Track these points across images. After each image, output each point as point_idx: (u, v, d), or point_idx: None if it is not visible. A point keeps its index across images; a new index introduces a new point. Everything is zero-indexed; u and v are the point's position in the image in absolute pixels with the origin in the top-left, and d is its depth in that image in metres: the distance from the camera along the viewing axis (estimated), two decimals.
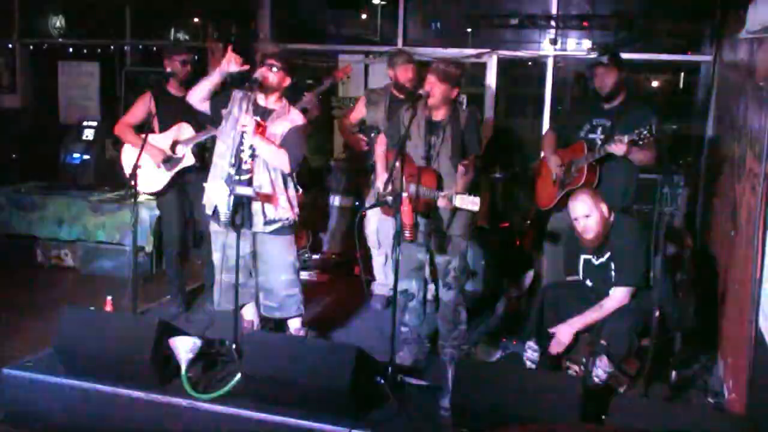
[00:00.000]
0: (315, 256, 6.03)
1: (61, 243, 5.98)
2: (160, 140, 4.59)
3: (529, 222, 5.48)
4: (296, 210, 4.03)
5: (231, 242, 3.91)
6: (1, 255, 5.94)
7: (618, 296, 3.69)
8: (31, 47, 7.65)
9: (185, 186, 4.68)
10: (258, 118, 3.87)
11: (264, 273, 4.10)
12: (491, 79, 6.20)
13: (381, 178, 4.05)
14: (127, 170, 4.59)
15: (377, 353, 3.61)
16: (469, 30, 6.95)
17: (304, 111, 4.38)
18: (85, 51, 7.47)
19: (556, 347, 3.78)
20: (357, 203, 5.91)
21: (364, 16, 7.58)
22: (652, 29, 6.07)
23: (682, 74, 7.19)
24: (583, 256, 3.92)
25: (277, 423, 3.25)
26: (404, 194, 3.62)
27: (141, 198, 5.67)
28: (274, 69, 3.89)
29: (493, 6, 6.59)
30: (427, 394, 3.52)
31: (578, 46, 6.43)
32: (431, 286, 4.44)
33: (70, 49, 7.51)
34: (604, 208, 3.74)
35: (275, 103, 3.98)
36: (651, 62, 6.12)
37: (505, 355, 4.29)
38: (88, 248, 5.89)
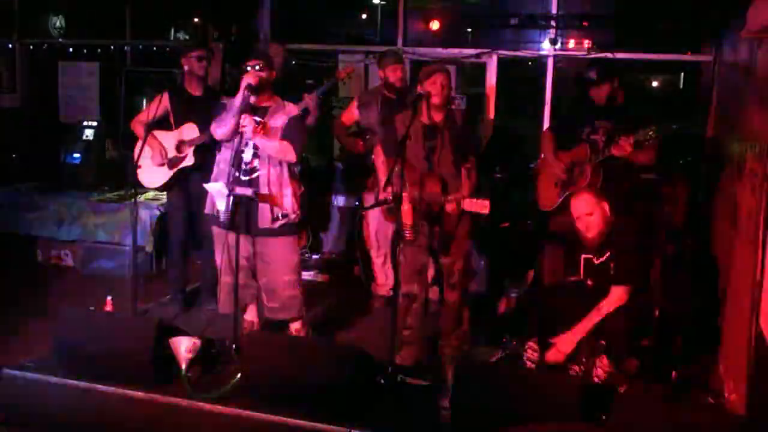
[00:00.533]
0: (315, 256, 6.04)
1: (61, 243, 5.98)
2: (166, 138, 4.61)
3: (529, 222, 5.48)
4: (299, 207, 4.04)
5: (233, 243, 3.92)
6: (1, 255, 5.94)
7: (617, 295, 3.69)
8: (31, 47, 7.65)
9: (188, 185, 4.69)
10: (257, 118, 3.88)
11: (267, 274, 4.10)
12: (491, 79, 6.20)
13: (381, 184, 4.04)
14: (141, 171, 4.64)
15: (377, 353, 3.61)
16: (469, 30, 6.96)
17: (305, 112, 4.39)
18: (85, 51, 7.47)
19: (554, 356, 3.73)
20: (357, 203, 5.91)
21: (364, 16, 7.59)
22: (652, 29, 6.07)
23: (682, 74, 7.20)
24: (584, 256, 3.92)
25: (277, 423, 3.24)
26: (403, 194, 3.62)
27: (141, 198, 5.70)
28: (257, 68, 3.90)
29: (493, 6, 6.59)
30: (427, 394, 3.51)
31: (578, 46, 6.43)
32: (433, 288, 4.44)
33: (70, 49, 7.52)
34: (606, 207, 3.74)
35: (268, 99, 4.00)
36: (651, 62, 6.12)
37: (505, 355, 4.29)
38: (88, 248, 5.89)
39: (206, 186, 4.00)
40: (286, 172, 3.99)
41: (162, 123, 4.65)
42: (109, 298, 4.34)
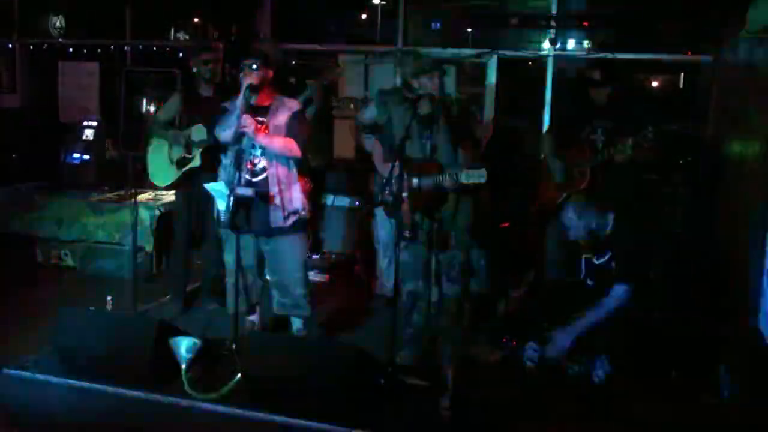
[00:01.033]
0: (315, 256, 6.04)
1: (61, 243, 5.98)
2: (176, 138, 4.62)
3: (529, 222, 5.48)
4: (308, 203, 4.05)
5: (244, 244, 3.93)
6: (1, 255, 5.94)
7: (617, 294, 3.69)
8: (31, 47, 7.65)
9: (194, 186, 4.69)
10: (259, 118, 3.88)
11: (279, 271, 4.11)
12: (491, 79, 6.20)
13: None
14: (151, 169, 4.65)
15: (377, 353, 3.61)
16: (469, 30, 6.95)
17: (307, 102, 4.38)
18: (85, 51, 7.47)
19: (553, 351, 3.74)
20: (357, 203, 5.91)
21: (364, 16, 7.59)
22: (652, 29, 6.07)
23: (682, 74, 7.19)
24: (584, 256, 3.92)
25: (276, 423, 3.24)
26: (404, 194, 3.63)
27: (141, 198, 5.70)
28: (254, 67, 3.89)
29: (493, 6, 6.59)
30: (427, 394, 3.51)
31: (578, 46, 6.43)
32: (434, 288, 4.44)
33: (70, 49, 7.51)
34: (593, 221, 3.74)
35: (269, 98, 4.00)
36: (651, 62, 6.12)
37: (505, 355, 4.29)
38: (88, 248, 5.89)
39: (206, 186, 4.00)
40: (294, 169, 3.99)
41: (173, 123, 4.67)
42: (109, 298, 4.34)
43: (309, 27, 7.25)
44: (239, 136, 3.85)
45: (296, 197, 3.99)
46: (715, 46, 5.54)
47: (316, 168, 6.46)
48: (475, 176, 3.63)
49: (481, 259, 5.16)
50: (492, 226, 5.59)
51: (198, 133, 4.59)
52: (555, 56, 6.03)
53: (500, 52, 6.17)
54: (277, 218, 3.96)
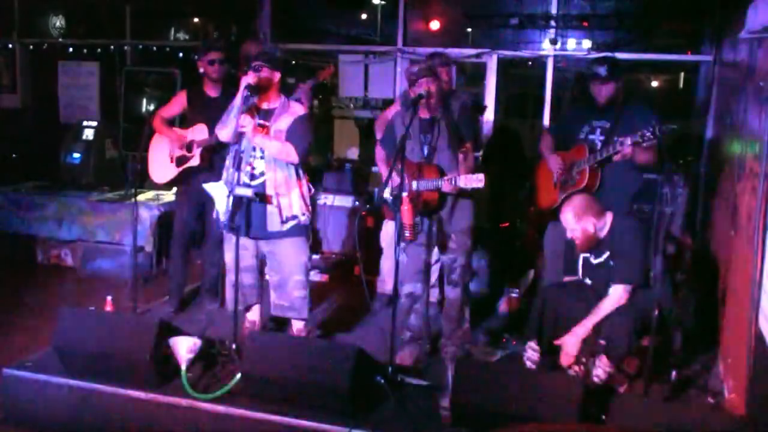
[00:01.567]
0: (315, 256, 6.04)
1: (61, 243, 5.98)
2: (180, 136, 4.63)
3: (529, 222, 5.49)
4: (309, 208, 4.04)
5: (243, 243, 3.92)
6: (1, 255, 5.94)
7: (616, 294, 3.69)
8: (31, 47, 7.65)
9: (193, 186, 4.69)
10: (260, 120, 3.88)
11: (278, 272, 4.11)
12: (491, 79, 6.20)
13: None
14: (151, 164, 4.66)
15: (377, 353, 3.61)
16: (469, 30, 6.96)
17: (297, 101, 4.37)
18: (85, 51, 7.47)
19: (566, 359, 3.74)
20: (357, 203, 5.91)
21: (364, 16, 7.59)
22: (652, 29, 6.08)
23: (682, 74, 7.20)
24: (582, 255, 3.92)
25: (277, 423, 3.24)
26: (404, 194, 3.63)
27: (141, 198, 5.70)
28: (256, 68, 3.86)
29: (493, 6, 6.59)
30: (427, 394, 3.51)
31: (578, 46, 6.43)
32: (434, 289, 4.44)
33: (70, 49, 7.51)
34: (590, 224, 3.73)
35: (274, 101, 3.99)
36: (651, 62, 6.12)
37: (505, 355, 4.29)
38: (88, 248, 5.89)
39: (205, 186, 4.00)
40: (294, 173, 3.98)
41: (176, 121, 4.68)
42: (109, 298, 4.35)
43: (309, 27, 7.26)
44: (238, 136, 3.85)
45: (295, 202, 3.98)
46: (715, 46, 5.55)
47: (316, 168, 6.48)
48: (473, 181, 3.63)
49: (481, 259, 5.17)
50: (492, 226, 5.60)
51: (200, 132, 4.59)
52: (555, 56, 6.04)
53: (500, 52, 6.17)
54: (274, 223, 3.95)
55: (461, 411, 3.19)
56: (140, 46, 7.37)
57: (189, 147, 4.61)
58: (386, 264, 5.16)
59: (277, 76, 3.93)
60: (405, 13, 6.40)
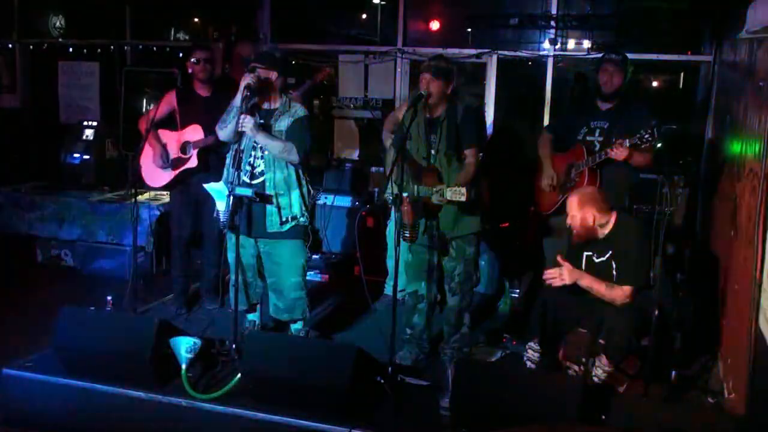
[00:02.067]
0: (315, 256, 6.04)
1: (61, 243, 5.98)
2: (171, 138, 4.61)
3: (529, 222, 5.48)
4: (308, 208, 4.04)
5: (244, 242, 3.92)
6: (1, 255, 5.94)
7: (621, 292, 3.68)
8: (31, 47, 7.65)
9: (191, 186, 4.68)
10: (261, 120, 3.88)
11: (275, 274, 4.11)
12: (491, 79, 6.20)
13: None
14: (144, 167, 4.65)
15: (377, 353, 3.61)
16: (469, 30, 6.95)
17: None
18: (85, 51, 7.47)
19: (554, 274, 3.66)
20: (357, 203, 5.91)
21: (364, 16, 7.58)
22: (652, 29, 6.07)
23: (682, 74, 7.19)
24: (585, 253, 3.92)
25: (277, 423, 3.25)
26: (404, 194, 3.62)
27: (141, 198, 5.70)
28: (255, 69, 3.87)
29: (493, 6, 6.59)
30: (427, 394, 3.52)
31: (578, 46, 6.43)
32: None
33: (70, 49, 7.52)
34: (590, 216, 3.70)
35: (275, 101, 3.99)
36: (651, 62, 6.12)
37: (505, 355, 4.29)
38: (88, 248, 5.89)
39: (206, 186, 4.01)
40: (294, 174, 3.98)
41: (168, 123, 4.66)
42: (109, 298, 4.35)
43: (309, 27, 7.25)
44: (238, 136, 3.86)
45: (295, 203, 3.98)
46: (715, 46, 5.55)
47: (316, 167, 6.48)
48: (456, 195, 3.61)
49: (480, 259, 5.16)
50: (492, 226, 5.60)
51: (194, 133, 4.58)
52: (555, 56, 6.04)
53: (500, 52, 6.17)
54: (274, 223, 3.95)
55: (461, 411, 3.19)
56: (140, 46, 7.37)
57: (184, 149, 4.60)
58: (391, 263, 5.16)
59: (274, 75, 3.94)
60: (405, 13, 6.40)
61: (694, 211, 5.56)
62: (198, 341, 3.63)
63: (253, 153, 3.94)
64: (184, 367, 3.52)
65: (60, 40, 7.68)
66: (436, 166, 3.90)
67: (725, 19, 5.22)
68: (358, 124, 6.82)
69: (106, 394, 3.48)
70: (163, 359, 3.54)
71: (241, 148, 3.89)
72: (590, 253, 3.89)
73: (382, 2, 7.17)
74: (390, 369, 3.52)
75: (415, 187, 3.84)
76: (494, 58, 6.17)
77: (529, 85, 6.84)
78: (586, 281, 3.67)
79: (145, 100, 6.24)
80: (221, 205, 3.87)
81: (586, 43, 6.35)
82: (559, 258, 3.70)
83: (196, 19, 7.98)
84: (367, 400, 3.35)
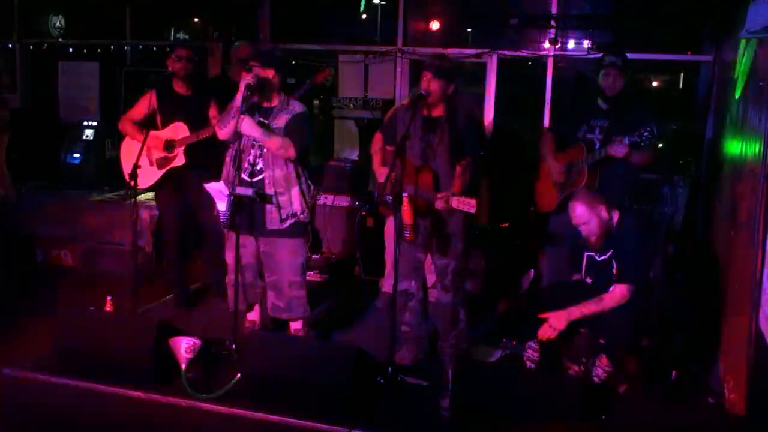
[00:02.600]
0: (315, 256, 6.04)
1: (61, 243, 5.98)
2: (155, 138, 4.59)
3: (528, 222, 5.48)
4: (308, 205, 4.03)
5: (243, 242, 3.92)
6: (1, 255, 5.94)
7: (618, 293, 3.68)
8: (31, 47, 7.65)
9: (182, 185, 4.67)
10: (260, 119, 3.88)
11: (274, 273, 4.11)
12: (491, 79, 6.20)
13: (378, 172, 4.02)
14: (125, 166, 4.63)
15: (377, 353, 3.61)
16: (469, 30, 6.95)
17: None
18: (85, 51, 7.47)
19: (547, 332, 3.67)
20: (357, 203, 5.91)
21: (364, 16, 7.57)
22: (652, 29, 6.07)
23: (682, 74, 7.19)
24: (586, 253, 3.92)
25: (277, 423, 3.25)
26: (404, 194, 3.62)
27: (141, 197, 5.69)
28: (254, 68, 3.87)
29: (493, 6, 6.58)
30: (427, 394, 3.52)
31: (578, 46, 6.43)
32: (433, 290, 4.43)
33: (70, 49, 7.52)
34: (603, 211, 3.71)
35: (274, 99, 4.00)
36: (651, 62, 6.11)
37: (505, 355, 4.29)
38: (88, 248, 5.89)
39: (206, 186, 4.00)
40: (293, 171, 3.98)
41: (149, 122, 4.63)
42: (109, 298, 4.35)
43: (309, 27, 7.25)
44: (238, 135, 3.86)
45: (295, 200, 3.98)
46: (715, 46, 5.55)
47: (316, 167, 6.48)
48: (465, 205, 3.58)
49: (480, 259, 5.17)
50: (492, 226, 5.60)
51: (179, 131, 4.56)
52: (555, 56, 6.03)
53: (500, 52, 6.17)
54: (274, 220, 3.96)
55: (461, 411, 3.19)
56: (140, 46, 7.36)
57: (169, 147, 4.58)
58: (389, 261, 5.16)
59: (271, 73, 3.93)
60: (405, 13, 6.40)
61: (694, 211, 5.56)
62: (198, 341, 3.63)
63: (251, 151, 3.95)
64: (184, 367, 3.52)
65: (60, 40, 7.67)
66: (432, 166, 3.90)
67: (725, 19, 5.22)
68: (358, 124, 6.82)
69: (106, 394, 3.48)
70: (163, 359, 3.54)
71: (241, 146, 3.90)
72: (591, 253, 3.89)
73: (382, 2, 7.17)
74: (390, 369, 3.52)
75: (410, 187, 3.84)
76: (494, 58, 6.17)
77: (529, 85, 6.84)
78: (575, 313, 3.68)
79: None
80: (221, 205, 3.87)
81: (586, 43, 6.34)
82: (539, 315, 3.72)
83: (196, 19, 7.98)
84: (366, 399, 3.35)
